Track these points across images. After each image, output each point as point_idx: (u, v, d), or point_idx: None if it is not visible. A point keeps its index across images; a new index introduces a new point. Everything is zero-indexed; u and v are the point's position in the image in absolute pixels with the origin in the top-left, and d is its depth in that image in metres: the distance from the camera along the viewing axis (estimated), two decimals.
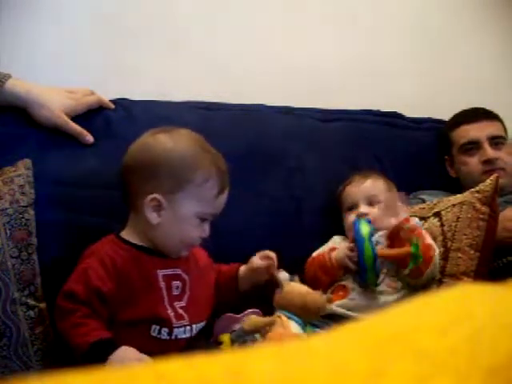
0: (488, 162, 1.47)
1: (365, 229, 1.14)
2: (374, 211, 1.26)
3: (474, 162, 1.50)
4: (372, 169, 1.39)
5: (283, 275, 1.08)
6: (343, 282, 1.20)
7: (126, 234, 1.01)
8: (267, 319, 1.01)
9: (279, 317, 1.01)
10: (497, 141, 1.51)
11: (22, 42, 1.39)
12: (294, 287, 1.06)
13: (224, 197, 1.03)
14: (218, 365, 0.26)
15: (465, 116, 1.57)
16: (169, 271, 0.99)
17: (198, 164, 0.99)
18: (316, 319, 1.08)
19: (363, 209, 1.26)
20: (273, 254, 1.09)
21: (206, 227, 1.02)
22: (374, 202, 1.27)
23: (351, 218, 1.25)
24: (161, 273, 0.98)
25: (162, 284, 0.97)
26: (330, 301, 1.07)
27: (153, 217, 0.97)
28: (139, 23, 1.52)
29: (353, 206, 1.28)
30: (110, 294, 0.91)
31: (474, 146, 1.51)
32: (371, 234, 1.14)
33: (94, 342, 0.86)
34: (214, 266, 1.14)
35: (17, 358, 0.94)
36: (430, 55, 1.81)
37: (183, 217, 0.99)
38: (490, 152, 1.47)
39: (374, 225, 1.19)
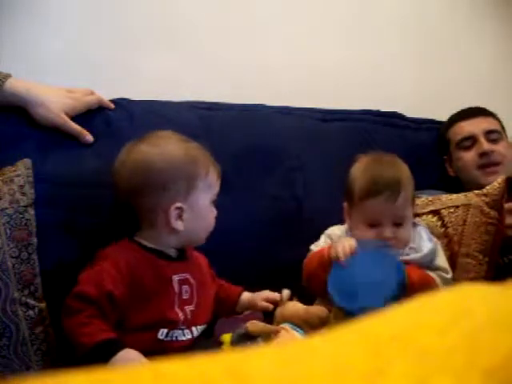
0: (484, 154, 1.47)
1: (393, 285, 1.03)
2: (398, 235, 1.12)
3: (470, 156, 1.50)
4: (399, 168, 1.19)
5: (286, 293, 1.09)
6: None
7: (142, 239, 1.01)
8: (273, 327, 1.02)
9: (284, 328, 1.01)
10: (493, 135, 1.51)
11: (23, 42, 1.39)
12: (296, 303, 1.07)
13: (219, 177, 1.06)
14: (218, 365, 0.26)
15: (460, 114, 1.58)
16: (181, 276, 1.01)
17: (196, 158, 1.02)
18: (319, 331, 1.08)
19: (388, 232, 1.12)
20: (278, 297, 1.11)
21: (213, 207, 1.06)
22: (400, 224, 1.13)
23: (369, 234, 1.13)
24: (176, 278, 0.99)
25: (177, 289, 0.98)
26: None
27: (178, 225, 0.99)
28: (140, 23, 1.52)
29: (376, 224, 1.13)
30: (122, 298, 0.91)
31: (470, 142, 1.51)
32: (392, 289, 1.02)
33: (98, 341, 0.85)
34: (216, 279, 1.14)
35: (17, 358, 0.94)
36: (430, 55, 1.81)
37: (203, 210, 1.03)
38: (485, 145, 1.48)
39: (396, 249, 1.10)
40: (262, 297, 1.12)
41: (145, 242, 1.01)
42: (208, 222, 1.05)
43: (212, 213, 1.05)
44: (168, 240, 1.01)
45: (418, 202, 1.34)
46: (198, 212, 1.01)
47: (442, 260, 1.16)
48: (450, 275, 1.15)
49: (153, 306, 0.95)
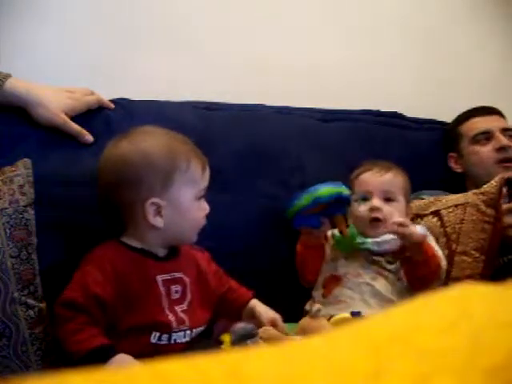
0: (502, 149, 1.47)
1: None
2: (387, 209, 1.18)
3: (486, 151, 1.49)
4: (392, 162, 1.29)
5: (317, 307, 1.06)
6: (334, 273, 1.19)
7: (127, 239, 1.00)
8: (284, 336, 1.00)
9: (295, 339, 1.00)
10: (509, 132, 1.51)
11: (23, 42, 1.39)
12: (326, 324, 1.05)
13: (208, 171, 1.03)
14: (218, 365, 0.26)
15: (473, 111, 1.58)
16: (168, 276, 0.98)
17: (175, 151, 0.99)
18: None
19: (376, 202, 1.18)
20: (282, 329, 1.05)
21: (204, 204, 1.02)
22: (389, 199, 1.19)
23: (361, 208, 1.19)
24: (160, 278, 0.97)
25: (162, 289, 0.96)
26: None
27: (157, 221, 0.96)
28: (140, 23, 1.52)
29: (366, 197, 1.20)
30: (109, 299, 0.90)
31: (486, 137, 1.51)
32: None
33: (91, 348, 0.85)
34: (225, 277, 1.12)
35: (17, 358, 0.94)
36: (430, 55, 1.81)
37: (184, 206, 0.99)
38: (503, 140, 1.47)
39: (382, 225, 1.15)
40: (269, 318, 1.06)
41: (130, 242, 0.99)
42: (193, 219, 1.01)
43: (199, 209, 1.01)
44: (151, 238, 0.99)
45: (420, 203, 1.34)
46: (179, 208, 0.98)
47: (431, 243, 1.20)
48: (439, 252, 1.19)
49: (141, 308, 0.93)
